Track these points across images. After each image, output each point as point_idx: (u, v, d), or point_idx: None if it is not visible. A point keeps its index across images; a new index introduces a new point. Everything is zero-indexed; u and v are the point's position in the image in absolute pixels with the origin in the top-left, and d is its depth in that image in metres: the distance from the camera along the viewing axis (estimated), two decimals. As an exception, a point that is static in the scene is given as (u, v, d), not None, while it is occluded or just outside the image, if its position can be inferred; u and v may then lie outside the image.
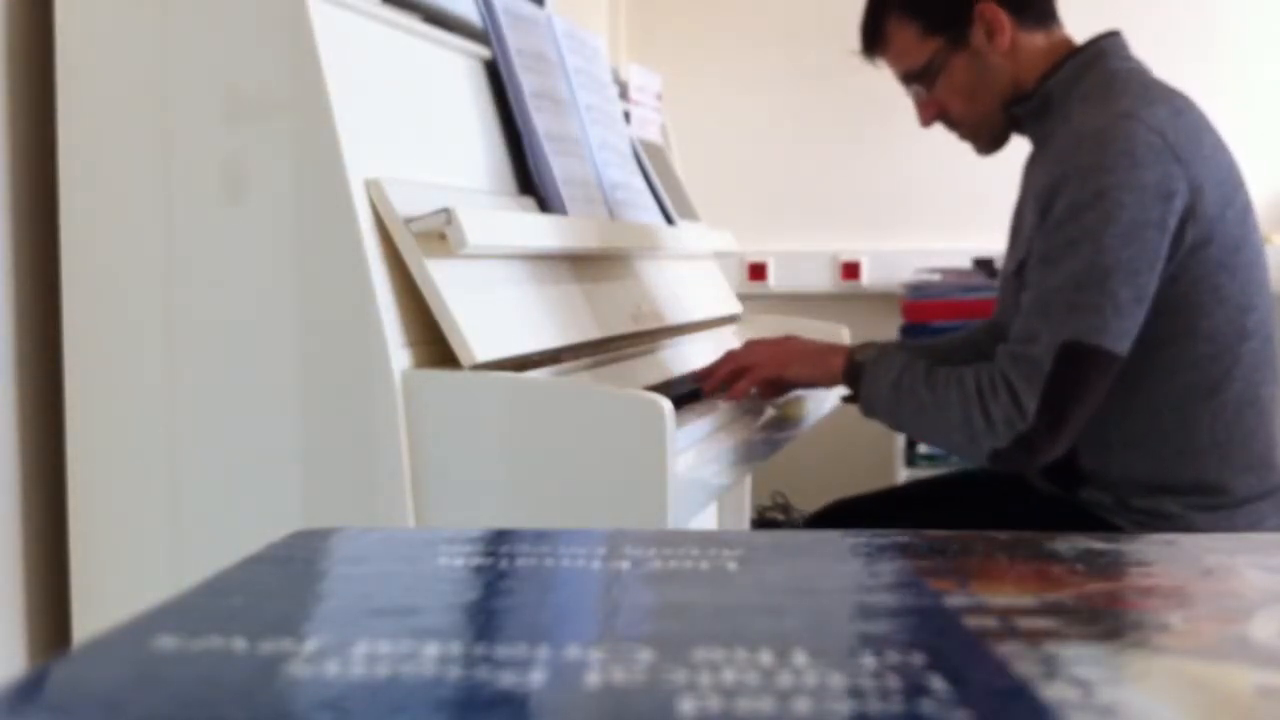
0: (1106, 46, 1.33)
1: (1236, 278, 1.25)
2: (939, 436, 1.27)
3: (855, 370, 1.29)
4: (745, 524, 2.07)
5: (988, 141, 1.42)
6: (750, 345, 1.37)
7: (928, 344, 1.61)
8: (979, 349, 1.54)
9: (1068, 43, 1.37)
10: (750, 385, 1.31)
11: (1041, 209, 1.23)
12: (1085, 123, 1.24)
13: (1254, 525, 1.28)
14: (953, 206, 2.69)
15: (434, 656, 0.23)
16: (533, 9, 1.39)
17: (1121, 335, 1.18)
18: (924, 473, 2.25)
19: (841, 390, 1.36)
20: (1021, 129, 1.41)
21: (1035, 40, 1.35)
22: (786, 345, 1.36)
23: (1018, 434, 1.19)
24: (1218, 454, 1.27)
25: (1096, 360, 1.18)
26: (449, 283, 0.98)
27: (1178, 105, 1.25)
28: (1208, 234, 1.22)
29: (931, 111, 1.41)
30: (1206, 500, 1.28)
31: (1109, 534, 0.35)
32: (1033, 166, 1.39)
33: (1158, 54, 1.43)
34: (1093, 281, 1.17)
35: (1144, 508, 1.29)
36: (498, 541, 0.34)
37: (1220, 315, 1.25)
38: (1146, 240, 1.18)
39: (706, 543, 0.33)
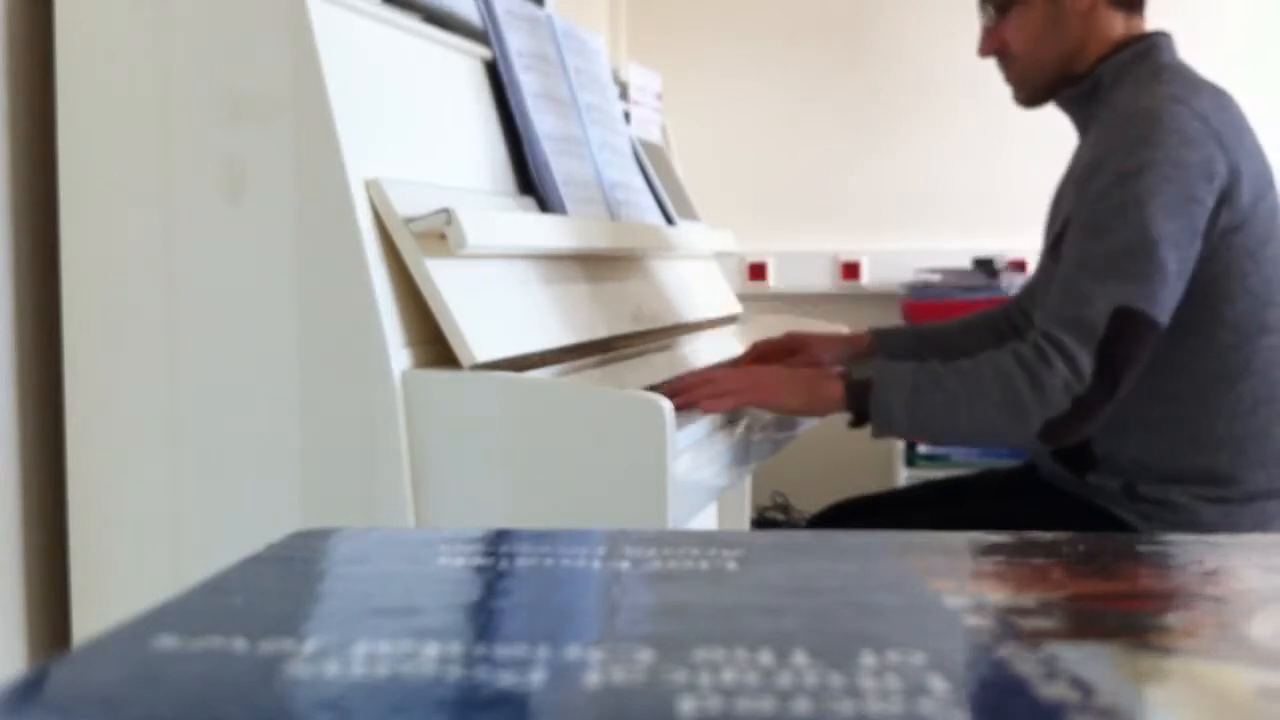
0: (1159, 42, 1.35)
1: (1261, 270, 1.27)
2: (976, 428, 1.20)
3: (859, 390, 1.21)
4: (745, 524, 2.06)
5: (1030, 93, 1.42)
6: (736, 369, 1.27)
7: (928, 328, 1.60)
8: (982, 336, 1.54)
9: (1137, 36, 1.37)
10: (732, 406, 1.20)
11: (1083, 181, 1.24)
12: (1132, 103, 1.26)
13: (1260, 523, 1.28)
14: (953, 206, 2.69)
15: (434, 656, 0.23)
16: (533, 9, 1.39)
17: (1166, 306, 1.20)
18: (924, 473, 2.25)
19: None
20: (1067, 109, 1.42)
21: (1114, 20, 1.36)
22: (775, 371, 1.29)
23: (1075, 397, 1.18)
24: (1232, 446, 1.28)
25: (1146, 327, 1.19)
26: (449, 283, 0.98)
27: (1222, 100, 1.28)
28: (1240, 220, 1.24)
29: (993, 44, 1.41)
30: (1215, 492, 1.29)
31: (1110, 534, 0.35)
32: (1078, 151, 1.40)
33: (1200, 56, 1.45)
34: (1143, 249, 1.18)
35: (1151, 496, 1.30)
36: (498, 541, 0.34)
37: (1244, 304, 1.27)
38: (1191, 214, 1.20)
39: (706, 543, 0.33)
